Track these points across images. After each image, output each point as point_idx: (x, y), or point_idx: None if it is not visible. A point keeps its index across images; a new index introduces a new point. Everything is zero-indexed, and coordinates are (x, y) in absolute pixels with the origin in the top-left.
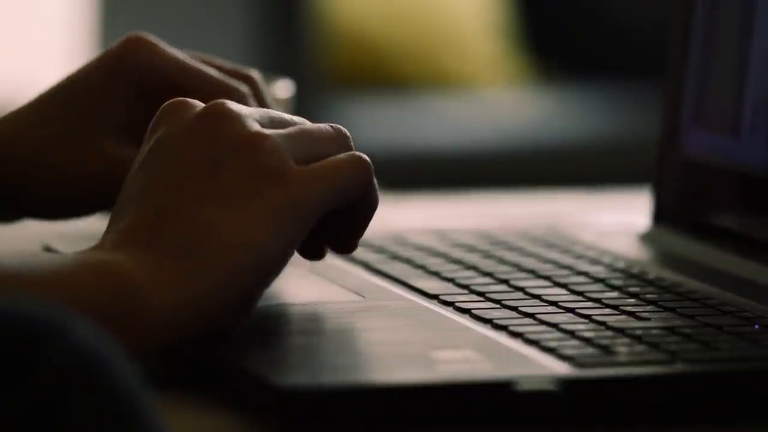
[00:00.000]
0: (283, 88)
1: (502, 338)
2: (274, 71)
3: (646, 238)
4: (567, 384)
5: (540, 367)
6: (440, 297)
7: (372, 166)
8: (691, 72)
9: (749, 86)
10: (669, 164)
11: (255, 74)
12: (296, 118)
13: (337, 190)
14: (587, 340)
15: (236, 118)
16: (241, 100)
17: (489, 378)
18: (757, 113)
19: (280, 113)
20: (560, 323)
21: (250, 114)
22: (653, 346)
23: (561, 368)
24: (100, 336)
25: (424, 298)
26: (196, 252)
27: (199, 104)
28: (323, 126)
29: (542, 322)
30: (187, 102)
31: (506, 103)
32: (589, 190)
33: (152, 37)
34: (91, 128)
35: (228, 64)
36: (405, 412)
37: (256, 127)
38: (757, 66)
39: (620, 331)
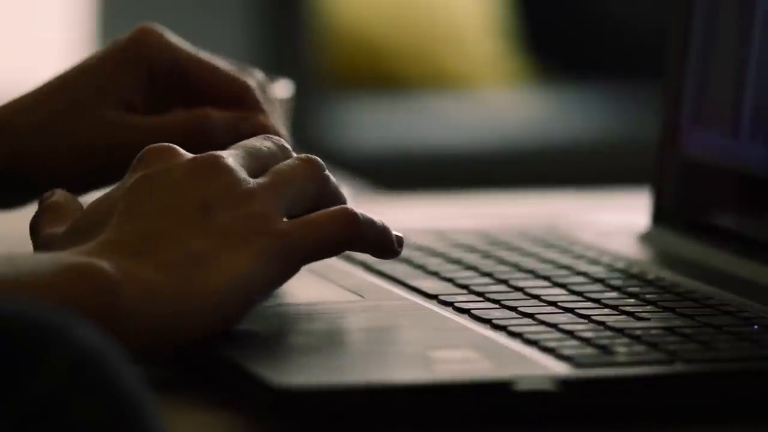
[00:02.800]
0: (283, 88)
1: (501, 338)
2: (274, 71)
3: (646, 238)
4: (566, 384)
5: (539, 367)
6: (439, 297)
7: (360, 218)
8: (691, 72)
9: (749, 86)
10: (669, 164)
11: (259, 75)
12: (272, 145)
13: (321, 246)
14: (586, 340)
15: (227, 172)
16: (250, 92)
17: (488, 378)
18: (757, 113)
19: (259, 149)
20: (559, 323)
21: (240, 167)
22: (652, 346)
23: (560, 368)
24: (100, 336)
25: (423, 298)
26: (181, 271)
27: (186, 153)
28: (298, 165)
29: (541, 322)
30: (175, 149)
31: (506, 103)
32: (589, 190)
33: (162, 28)
34: (92, 100)
35: (232, 66)
36: (405, 412)
37: (246, 183)
38: (756, 66)
39: (619, 331)
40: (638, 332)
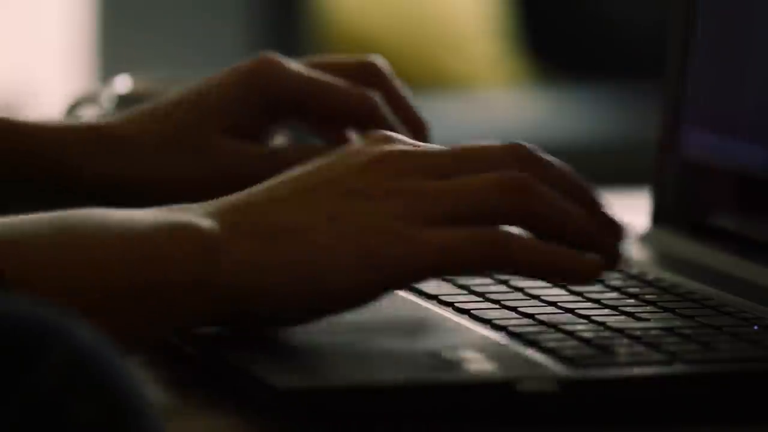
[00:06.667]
0: None
1: (501, 338)
2: None
3: (646, 238)
4: (566, 384)
5: (539, 367)
6: (440, 297)
7: (511, 244)
8: (691, 72)
9: (749, 86)
10: (669, 164)
11: (379, 61)
12: (496, 151)
13: (448, 264)
14: (587, 341)
15: (392, 165)
16: (373, 108)
17: (488, 378)
18: (757, 113)
19: (468, 153)
20: (560, 324)
21: (417, 165)
22: (652, 346)
23: (560, 369)
24: (99, 336)
25: (423, 298)
26: (283, 244)
27: (403, 139)
28: (492, 179)
29: (542, 323)
30: (390, 136)
31: (506, 103)
32: None
33: (283, 57)
34: (204, 127)
35: (349, 59)
36: (405, 412)
37: (407, 180)
38: (757, 66)
39: (620, 332)
40: (638, 333)
